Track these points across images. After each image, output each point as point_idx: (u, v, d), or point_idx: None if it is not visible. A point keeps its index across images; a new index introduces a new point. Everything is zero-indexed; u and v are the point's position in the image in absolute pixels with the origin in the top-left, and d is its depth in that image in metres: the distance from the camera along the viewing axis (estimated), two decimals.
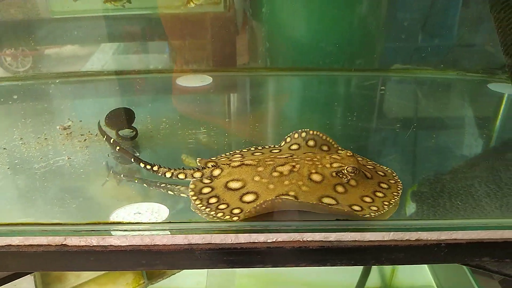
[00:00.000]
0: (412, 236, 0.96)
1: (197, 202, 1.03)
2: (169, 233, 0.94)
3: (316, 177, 1.05)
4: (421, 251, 0.96)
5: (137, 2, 1.69)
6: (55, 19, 1.73)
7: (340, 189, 1.04)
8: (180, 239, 0.95)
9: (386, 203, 1.01)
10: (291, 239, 0.95)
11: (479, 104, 1.61)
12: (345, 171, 1.05)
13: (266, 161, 1.10)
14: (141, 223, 0.96)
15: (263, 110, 1.55)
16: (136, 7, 1.68)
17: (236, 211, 0.99)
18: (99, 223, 0.97)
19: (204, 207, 1.01)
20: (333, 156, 1.09)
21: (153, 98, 1.60)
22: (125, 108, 1.31)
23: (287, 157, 1.12)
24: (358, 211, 0.98)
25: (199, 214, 1.00)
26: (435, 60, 1.76)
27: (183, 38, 1.84)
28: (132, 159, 1.14)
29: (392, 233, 0.95)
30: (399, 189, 1.07)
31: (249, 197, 1.03)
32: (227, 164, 1.11)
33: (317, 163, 1.08)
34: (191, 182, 1.08)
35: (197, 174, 1.11)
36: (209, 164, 1.11)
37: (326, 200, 1.01)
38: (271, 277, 2.30)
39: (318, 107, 1.56)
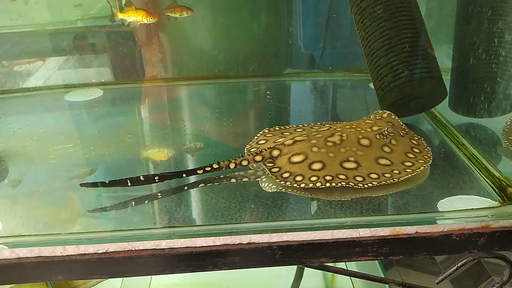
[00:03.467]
0: (243, 239, 0.96)
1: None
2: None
3: (364, 142, 1.15)
4: (255, 254, 0.97)
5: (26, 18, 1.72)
6: None
7: (387, 149, 1.14)
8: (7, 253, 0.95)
9: (426, 156, 1.13)
10: (122, 249, 0.95)
11: (356, 101, 1.68)
12: (386, 132, 1.15)
13: (314, 134, 1.19)
14: None
15: (140, 121, 1.55)
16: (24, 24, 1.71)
17: (313, 178, 1.07)
18: None
19: (280, 181, 1.10)
20: (367, 121, 1.21)
21: (34, 117, 1.58)
22: None
23: (329, 128, 1.21)
24: (410, 166, 1.09)
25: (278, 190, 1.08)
26: (325, 64, 1.81)
27: (84, 52, 1.86)
28: (184, 175, 1.13)
29: (222, 237, 0.95)
30: (424, 143, 1.19)
31: (316, 166, 1.11)
32: (282, 144, 1.19)
33: (358, 129, 1.18)
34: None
35: (258, 158, 1.18)
36: (266, 147, 1.20)
37: (382, 161, 1.11)
38: (207, 283, 2.31)
39: (198, 115, 1.56)
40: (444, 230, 0.99)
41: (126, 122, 1.49)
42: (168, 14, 1.67)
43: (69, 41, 1.81)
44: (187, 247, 0.97)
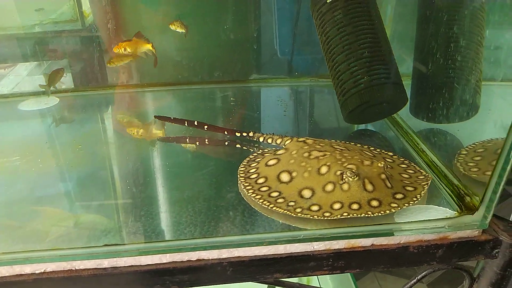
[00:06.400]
0: (192, 256, 0.91)
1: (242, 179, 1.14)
2: None
3: (323, 170, 1.07)
4: (204, 271, 0.92)
5: None
6: None
7: (328, 187, 1.03)
8: None
9: (338, 215, 0.95)
10: (61, 269, 0.90)
11: (322, 107, 1.65)
12: (344, 175, 1.02)
13: (320, 144, 1.18)
14: None
15: (94, 130, 1.48)
16: None
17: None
18: None
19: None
20: (364, 160, 1.06)
21: None
22: None
23: (335, 148, 1.15)
24: (315, 211, 0.97)
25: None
26: (292, 69, 1.78)
27: (44, 58, 1.79)
28: (225, 132, 1.34)
29: (169, 254, 0.90)
30: (380, 213, 0.95)
31: (272, 162, 1.17)
32: (295, 137, 1.28)
33: (343, 160, 1.08)
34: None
35: (279, 140, 1.32)
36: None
37: (305, 192, 1.03)
38: None
39: (159, 122, 1.48)
40: (401, 242, 0.96)
41: (79, 132, 1.41)
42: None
43: (29, 46, 1.75)
44: (131, 265, 0.91)
